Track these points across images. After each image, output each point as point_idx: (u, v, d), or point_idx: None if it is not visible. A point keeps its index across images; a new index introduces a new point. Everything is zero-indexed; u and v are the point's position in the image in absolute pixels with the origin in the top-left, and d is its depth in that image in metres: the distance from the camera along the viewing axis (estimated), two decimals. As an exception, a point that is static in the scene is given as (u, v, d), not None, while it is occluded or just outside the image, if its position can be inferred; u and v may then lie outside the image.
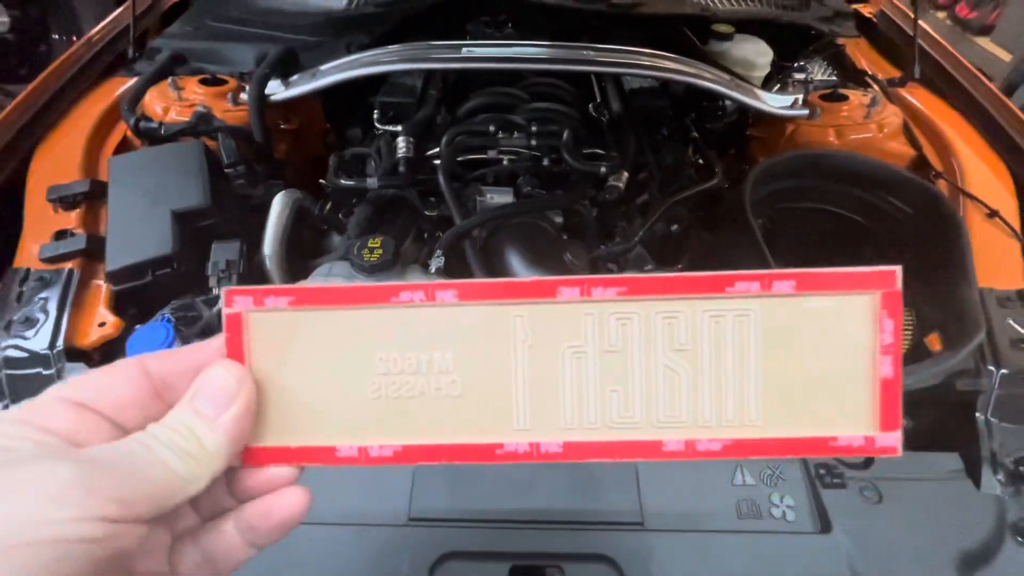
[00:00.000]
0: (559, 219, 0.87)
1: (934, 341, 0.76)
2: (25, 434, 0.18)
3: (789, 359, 0.22)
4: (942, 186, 0.89)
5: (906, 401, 0.72)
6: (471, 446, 0.23)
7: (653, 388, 0.23)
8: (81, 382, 0.21)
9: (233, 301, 0.23)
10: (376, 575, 0.54)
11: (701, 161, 1.03)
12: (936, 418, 0.69)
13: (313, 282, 0.71)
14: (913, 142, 0.97)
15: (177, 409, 0.21)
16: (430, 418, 0.23)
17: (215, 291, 0.75)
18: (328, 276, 0.71)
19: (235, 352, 0.23)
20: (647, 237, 0.86)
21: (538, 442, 0.23)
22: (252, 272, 0.81)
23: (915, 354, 0.77)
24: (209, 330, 0.73)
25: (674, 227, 0.89)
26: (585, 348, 0.23)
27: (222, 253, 0.77)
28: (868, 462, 0.63)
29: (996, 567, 0.56)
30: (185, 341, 0.72)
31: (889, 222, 0.86)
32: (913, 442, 0.69)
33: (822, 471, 0.61)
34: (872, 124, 0.96)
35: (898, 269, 0.22)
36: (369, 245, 0.69)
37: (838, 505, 0.59)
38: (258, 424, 0.23)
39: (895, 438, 0.22)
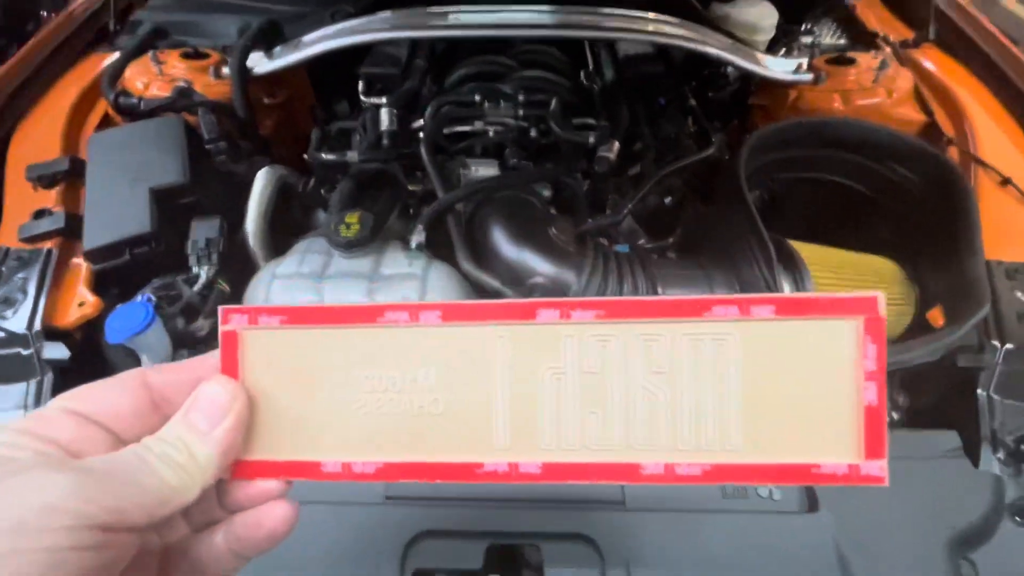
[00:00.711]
0: (548, 192, 0.84)
1: (936, 316, 0.73)
2: (27, 444, 0.19)
3: (770, 384, 0.22)
4: (953, 153, 0.84)
5: (904, 377, 0.69)
6: (451, 465, 0.23)
7: (632, 411, 0.23)
8: (84, 393, 0.22)
9: (229, 319, 0.24)
10: (351, 554, 0.54)
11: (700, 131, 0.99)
12: (935, 395, 0.66)
13: (290, 259, 0.70)
14: (924, 107, 0.92)
15: (172, 422, 0.22)
16: (412, 435, 0.23)
17: (195, 270, 0.74)
18: (305, 253, 0.69)
19: (230, 368, 0.24)
20: (639, 210, 0.83)
21: (517, 462, 0.23)
22: (235, 251, 0.80)
23: (916, 330, 0.74)
24: (191, 309, 0.73)
25: (668, 199, 0.86)
26: (565, 370, 0.23)
27: (203, 231, 0.75)
28: (861, 441, 0.61)
29: (991, 548, 0.54)
30: (167, 320, 0.72)
31: (895, 192, 0.82)
32: (910, 420, 0.67)
33: (812, 450, 0.59)
34: (881, 89, 0.91)
35: (880, 295, 0.22)
36: (346, 220, 0.67)
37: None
38: (248, 438, 0.24)
39: (880, 467, 0.22)
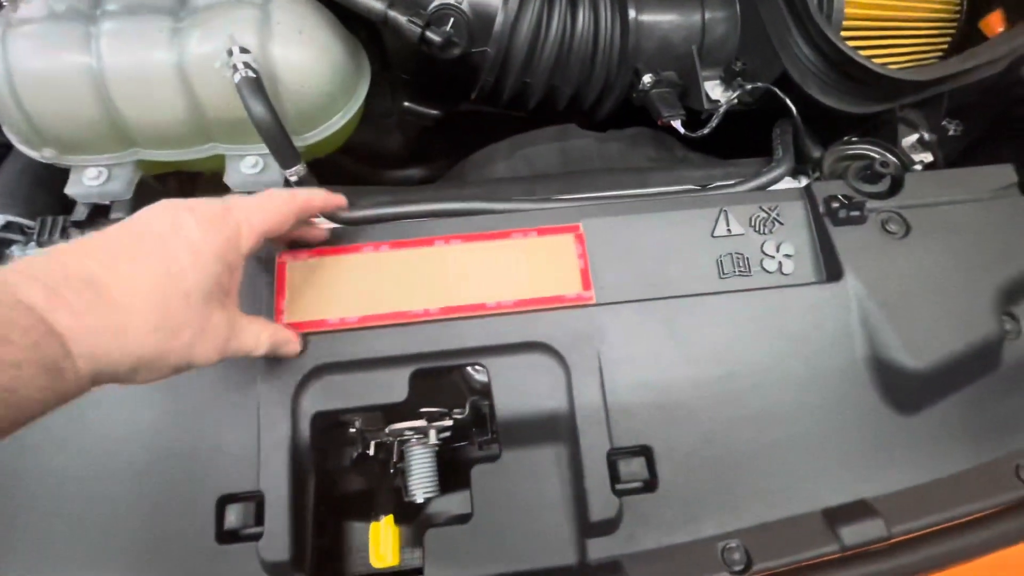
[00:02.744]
0: None
1: (994, 21, 0.55)
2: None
3: (541, 262, 0.44)
4: None
5: (952, 102, 0.52)
6: (399, 313, 0.42)
7: (480, 281, 0.44)
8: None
9: (283, 256, 0.43)
10: (225, 405, 0.39)
11: None
12: (989, 119, 0.51)
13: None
14: None
15: (262, 331, 0.37)
16: (375, 300, 0.42)
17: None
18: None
19: (279, 289, 0.43)
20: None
21: (428, 309, 0.42)
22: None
23: (963, 43, 0.56)
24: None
25: None
26: (446, 265, 0.44)
27: None
28: (895, 186, 0.46)
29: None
30: None
31: None
32: (957, 153, 0.52)
33: (835, 204, 0.45)
34: None
35: (583, 222, 0.45)
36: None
37: (852, 245, 0.44)
38: (290, 309, 0.42)
39: (590, 294, 0.43)
